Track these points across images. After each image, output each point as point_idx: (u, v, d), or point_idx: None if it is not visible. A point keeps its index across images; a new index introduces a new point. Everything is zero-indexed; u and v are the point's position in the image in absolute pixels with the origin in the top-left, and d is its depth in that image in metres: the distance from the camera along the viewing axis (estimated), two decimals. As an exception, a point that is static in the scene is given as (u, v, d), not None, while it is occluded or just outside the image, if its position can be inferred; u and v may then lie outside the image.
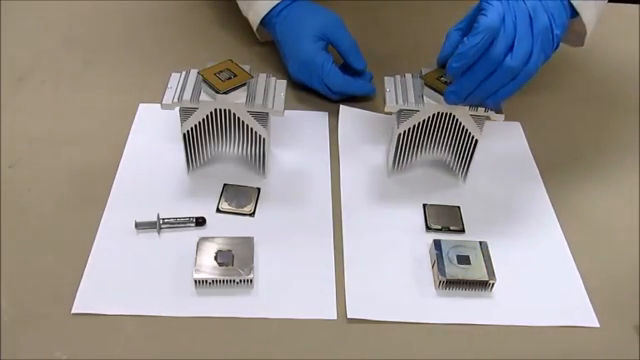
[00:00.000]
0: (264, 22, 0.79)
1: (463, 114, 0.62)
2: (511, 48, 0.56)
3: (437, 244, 0.60)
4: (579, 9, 0.64)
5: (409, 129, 0.63)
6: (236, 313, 0.55)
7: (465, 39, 0.56)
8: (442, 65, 0.61)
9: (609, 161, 0.73)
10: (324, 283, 0.58)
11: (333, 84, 0.74)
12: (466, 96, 0.59)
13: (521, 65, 0.56)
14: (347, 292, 0.57)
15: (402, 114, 0.63)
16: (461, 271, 0.58)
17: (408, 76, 0.65)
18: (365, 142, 0.73)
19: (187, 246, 0.59)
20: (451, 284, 0.58)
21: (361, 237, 0.62)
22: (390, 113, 0.63)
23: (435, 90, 0.61)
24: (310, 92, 0.78)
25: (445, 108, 0.62)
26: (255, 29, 0.81)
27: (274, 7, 0.77)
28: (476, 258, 0.59)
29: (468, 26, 0.60)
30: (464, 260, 0.59)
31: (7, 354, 0.51)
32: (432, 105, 0.62)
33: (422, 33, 0.90)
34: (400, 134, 0.64)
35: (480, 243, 0.60)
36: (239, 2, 0.81)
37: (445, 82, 0.61)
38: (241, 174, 0.68)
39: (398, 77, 0.65)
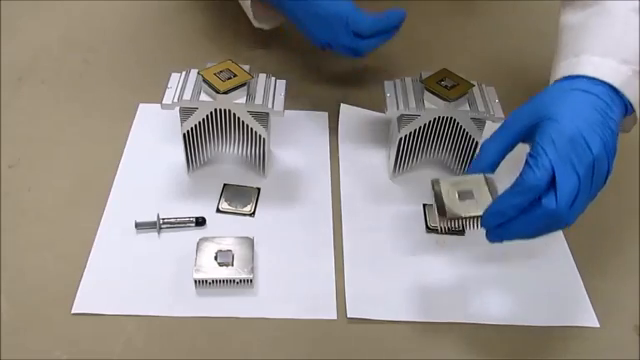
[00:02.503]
0: None
1: (464, 118, 0.62)
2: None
3: (436, 183, 0.53)
4: (635, 106, 0.55)
5: (410, 133, 0.63)
6: (236, 313, 0.55)
7: (507, 194, 0.49)
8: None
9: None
10: (324, 283, 0.58)
11: (365, 29, 0.66)
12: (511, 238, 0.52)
13: (577, 215, 0.50)
14: (347, 292, 0.57)
15: (403, 119, 0.62)
16: (464, 207, 0.51)
17: (408, 80, 0.64)
18: (365, 141, 0.73)
19: (187, 246, 0.59)
20: (454, 227, 0.51)
21: (361, 237, 0.62)
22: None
23: (436, 94, 0.61)
24: (310, 92, 0.78)
25: (446, 112, 0.62)
26: (249, 10, 0.74)
27: None
28: (480, 192, 0.52)
29: (508, 142, 0.54)
30: (467, 195, 0.52)
31: (7, 354, 0.51)
32: (433, 110, 0.62)
33: (421, 34, 0.90)
34: (401, 138, 0.64)
35: (484, 176, 0.53)
36: None
37: (446, 86, 0.61)
38: (241, 174, 0.67)
39: (398, 81, 0.64)
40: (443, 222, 0.51)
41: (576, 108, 0.51)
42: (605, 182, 0.52)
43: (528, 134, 0.53)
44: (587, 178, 0.49)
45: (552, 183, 0.48)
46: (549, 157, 0.49)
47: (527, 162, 0.50)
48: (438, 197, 0.51)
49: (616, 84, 0.53)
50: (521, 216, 0.49)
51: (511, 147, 0.54)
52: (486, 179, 0.53)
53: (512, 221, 0.50)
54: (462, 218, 0.51)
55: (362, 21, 0.66)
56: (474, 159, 0.55)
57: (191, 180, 0.67)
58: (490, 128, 0.63)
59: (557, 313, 0.57)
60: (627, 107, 0.54)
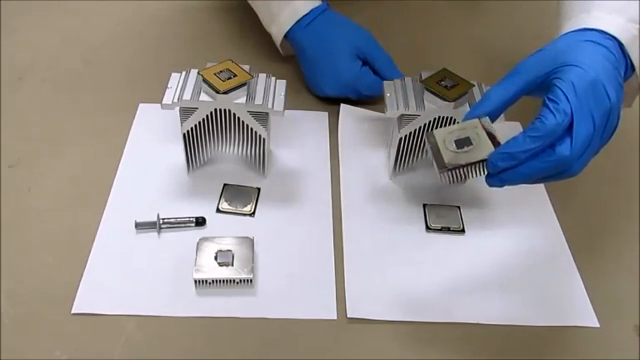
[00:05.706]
0: (287, 36, 0.75)
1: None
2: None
3: (430, 136, 0.51)
4: (637, 67, 0.55)
5: (410, 133, 0.63)
6: (236, 313, 0.55)
7: (522, 137, 0.48)
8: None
9: (609, 159, 0.73)
10: (324, 283, 0.58)
11: (374, 92, 0.73)
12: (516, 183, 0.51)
13: (584, 164, 0.50)
14: (347, 292, 0.57)
15: (403, 119, 0.62)
16: (464, 155, 0.49)
17: (408, 80, 0.64)
18: (365, 141, 0.73)
19: (187, 246, 0.59)
20: (456, 178, 0.50)
21: (361, 237, 0.62)
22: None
23: (436, 94, 0.61)
24: (310, 92, 0.78)
25: (446, 112, 0.62)
26: (279, 44, 0.78)
27: (299, 20, 0.73)
28: (478, 137, 0.50)
29: (514, 92, 0.52)
30: (464, 142, 0.50)
31: (7, 354, 0.51)
32: (433, 110, 0.61)
33: (421, 33, 0.90)
34: (401, 138, 0.64)
35: (480, 121, 0.51)
36: (260, 15, 0.78)
37: (446, 86, 0.61)
38: (241, 174, 0.67)
39: (398, 81, 0.64)
40: (444, 174, 0.49)
41: (592, 57, 0.51)
42: (612, 135, 0.51)
43: (539, 84, 0.52)
44: (601, 127, 0.49)
45: (568, 129, 0.48)
46: (570, 102, 0.48)
47: (546, 106, 0.48)
48: (434, 149, 0.49)
49: (623, 40, 0.53)
50: (531, 161, 0.48)
51: (517, 97, 0.52)
52: (482, 124, 0.51)
53: (520, 165, 0.48)
54: (463, 166, 0.49)
55: (374, 88, 0.73)
56: (474, 104, 0.54)
57: (191, 180, 0.67)
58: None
59: (557, 313, 0.57)
60: (628, 68, 0.54)
